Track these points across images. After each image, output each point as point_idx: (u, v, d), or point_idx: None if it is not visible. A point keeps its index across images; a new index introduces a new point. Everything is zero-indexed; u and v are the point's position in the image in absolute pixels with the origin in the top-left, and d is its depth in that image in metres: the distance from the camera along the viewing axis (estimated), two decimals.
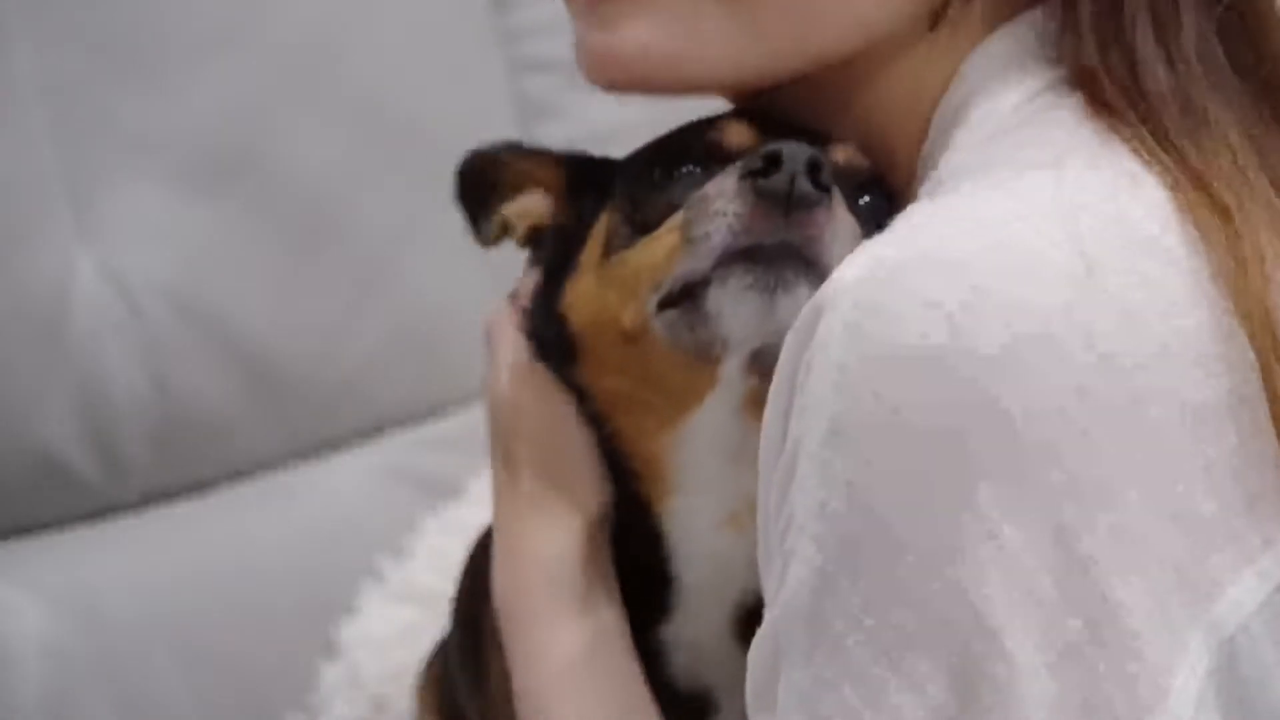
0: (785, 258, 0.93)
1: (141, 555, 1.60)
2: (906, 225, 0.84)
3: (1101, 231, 0.81)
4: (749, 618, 1.05)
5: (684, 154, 1.03)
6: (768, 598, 0.86)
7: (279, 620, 1.64)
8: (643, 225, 1.01)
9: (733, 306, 0.94)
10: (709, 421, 1.01)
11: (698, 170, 1.01)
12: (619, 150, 2.18)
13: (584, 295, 1.04)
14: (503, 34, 1.97)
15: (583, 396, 1.06)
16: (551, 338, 1.07)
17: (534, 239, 1.14)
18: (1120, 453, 0.78)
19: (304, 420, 1.74)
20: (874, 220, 0.97)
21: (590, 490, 1.07)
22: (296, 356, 1.71)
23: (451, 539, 1.64)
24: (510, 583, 1.07)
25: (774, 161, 0.92)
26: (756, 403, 0.95)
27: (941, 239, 0.81)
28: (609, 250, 1.03)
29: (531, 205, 1.14)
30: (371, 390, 1.78)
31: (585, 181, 1.13)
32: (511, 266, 1.84)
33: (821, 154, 0.93)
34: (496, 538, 1.10)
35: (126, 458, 1.60)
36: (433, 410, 1.84)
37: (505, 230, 1.15)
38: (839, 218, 0.94)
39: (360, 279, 1.76)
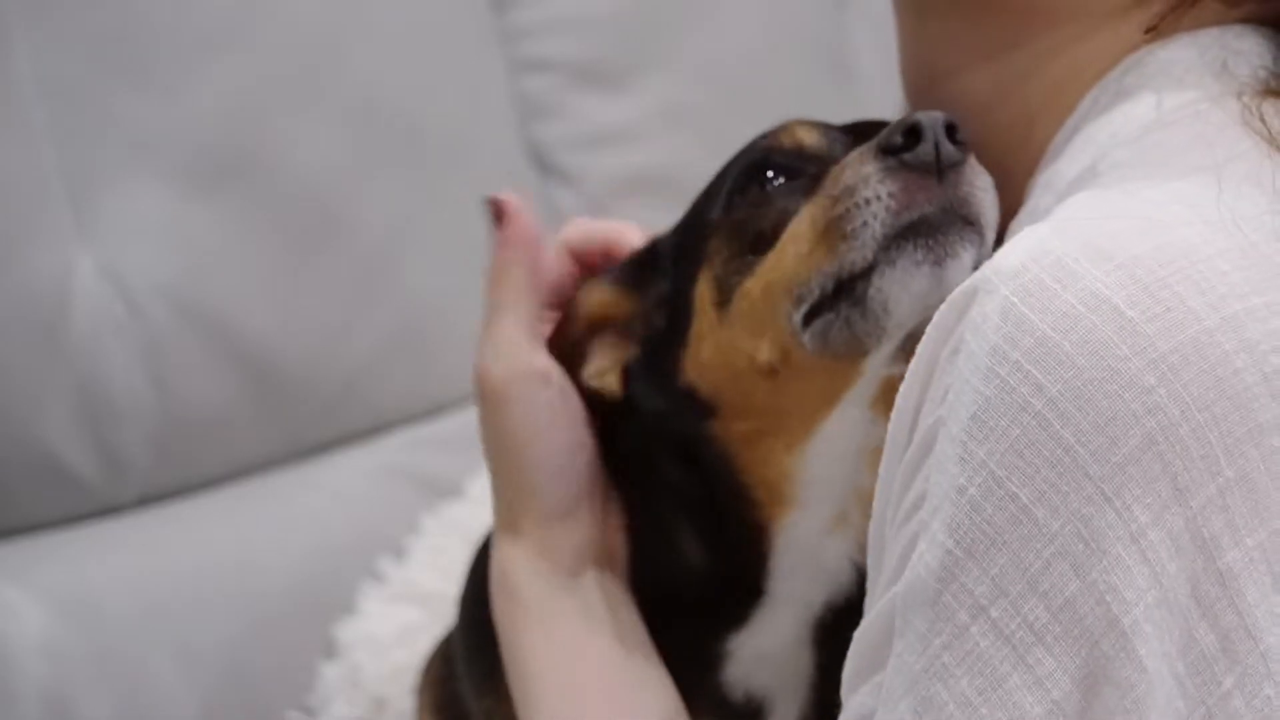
0: (949, 223, 0.93)
1: (141, 555, 1.60)
2: (1069, 215, 0.84)
3: (1263, 246, 0.81)
4: (830, 623, 1.07)
5: (763, 170, 1.03)
6: (878, 576, 0.85)
7: (279, 620, 1.64)
8: (754, 248, 1.00)
9: (903, 285, 0.93)
10: (838, 426, 1.01)
11: (784, 180, 1.01)
12: (619, 150, 2.18)
13: (709, 356, 1.03)
14: (503, 34, 1.97)
15: (704, 445, 1.05)
16: (676, 414, 1.06)
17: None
18: (1277, 475, 0.78)
19: (304, 420, 1.74)
20: None
21: (550, 496, 1.07)
22: (296, 356, 1.71)
23: (451, 539, 1.64)
24: (492, 590, 1.09)
25: (914, 133, 0.93)
26: (889, 392, 0.95)
27: (1109, 234, 0.80)
28: (723, 297, 1.02)
29: (607, 356, 1.11)
30: (371, 390, 1.78)
31: (648, 277, 1.11)
32: None
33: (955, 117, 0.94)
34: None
35: (126, 458, 1.60)
36: (433, 410, 1.84)
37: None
38: (981, 171, 0.95)
39: (360, 279, 1.76)
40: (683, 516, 1.08)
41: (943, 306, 0.83)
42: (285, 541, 1.68)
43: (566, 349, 1.10)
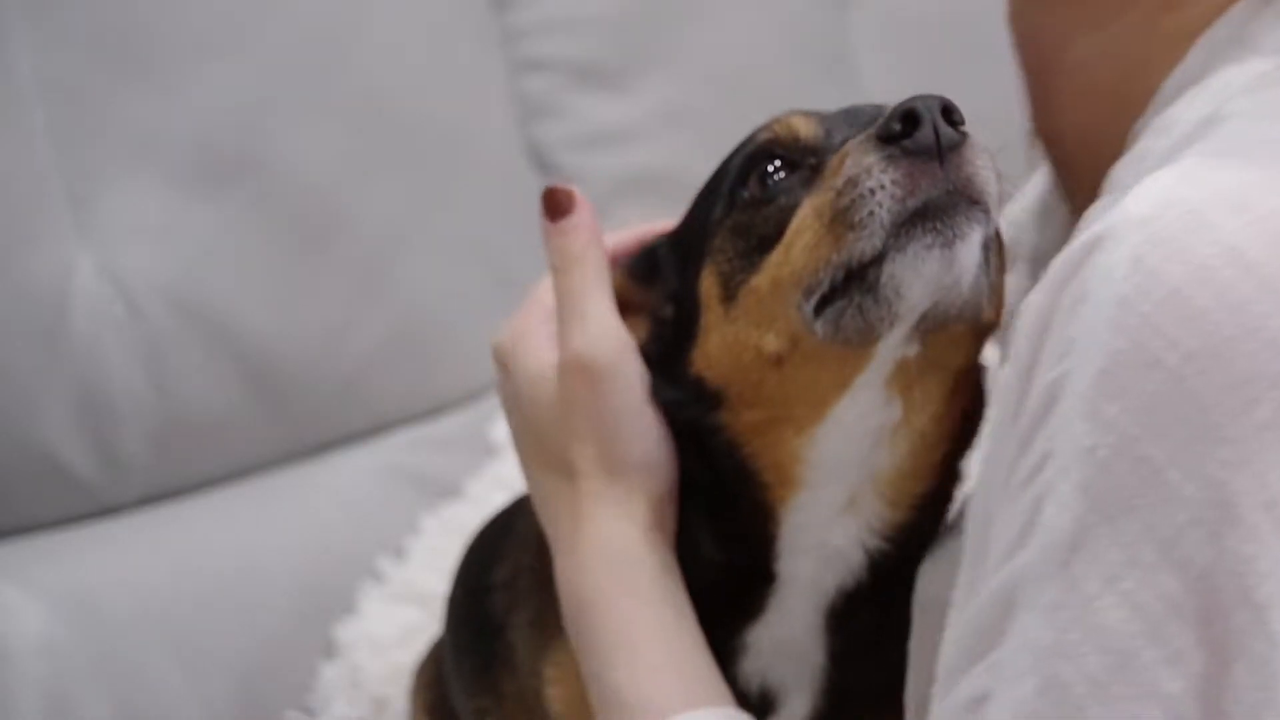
0: (955, 204, 0.94)
1: (141, 555, 1.60)
2: (1198, 161, 0.80)
3: None
4: (842, 609, 1.07)
5: (762, 164, 1.03)
6: (983, 553, 0.82)
7: (279, 620, 1.64)
8: (759, 244, 1.01)
9: (915, 269, 0.94)
10: (851, 408, 1.01)
11: (784, 173, 1.02)
12: (619, 150, 2.18)
13: (716, 349, 1.04)
14: (503, 34, 1.97)
15: (713, 433, 1.05)
16: (686, 404, 1.06)
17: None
18: None
19: (304, 420, 1.74)
20: None
21: (654, 469, 1.06)
22: (296, 356, 1.71)
23: (451, 539, 1.64)
24: (581, 579, 1.05)
25: (911, 118, 0.94)
26: (904, 371, 0.98)
27: (1239, 184, 0.77)
28: (729, 292, 1.02)
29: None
30: (371, 390, 1.78)
31: (655, 271, 1.12)
32: (511, 267, 1.84)
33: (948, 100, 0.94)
34: (555, 542, 1.08)
35: (126, 458, 1.60)
36: (433, 410, 1.84)
37: None
38: (981, 149, 0.95)
39: (360, 279, 1.76)
40: (696, 508, 1.08)
41: (1056, 259, 0.81)
42: (285, 541, 1.68)
43: None
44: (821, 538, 1.06)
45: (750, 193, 1.03)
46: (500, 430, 1.79)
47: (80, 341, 1.57)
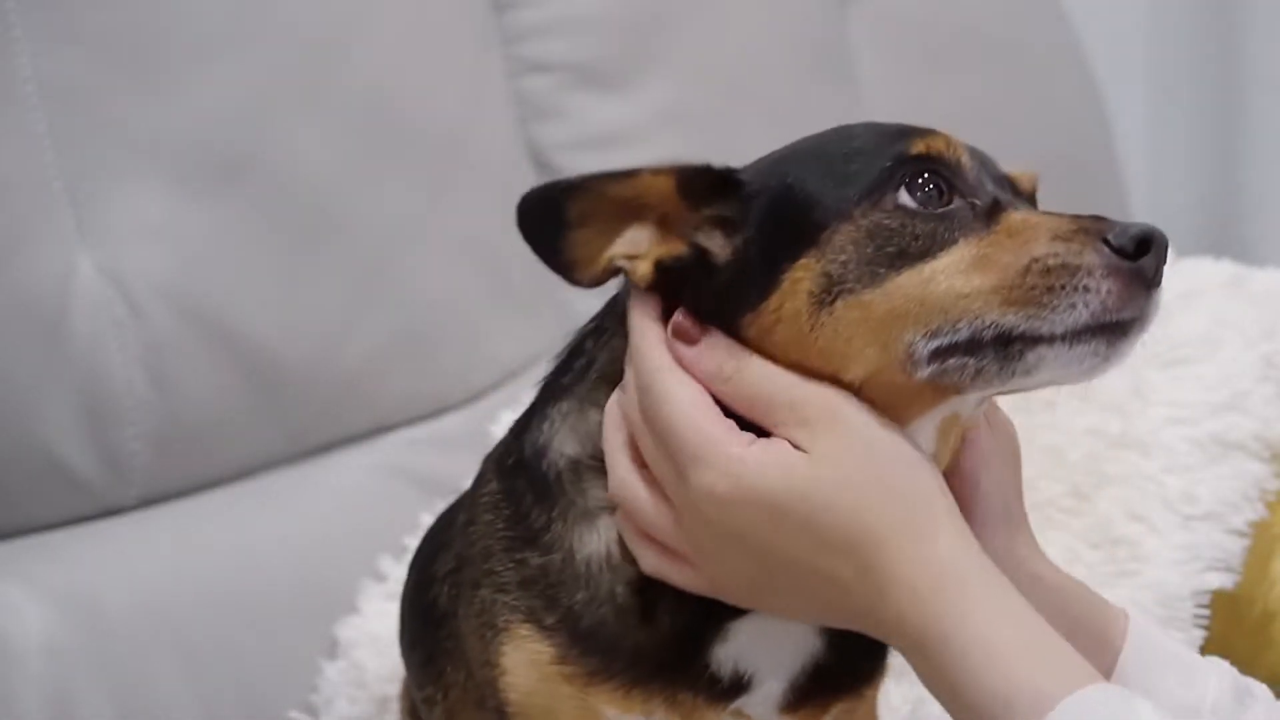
0: (1138, 330, 1.00)
1: (141, 555, 1.60)
2: None
3: None
4: None
5: (917, 174, 1.03)
6: None
7: (280, 620, 1.64)
8: (892, 260, 1.01)
9: (1065, 366, 1.00)
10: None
11: (937, 195, 1.03)
12: (619, 151, 2.17)
13: (784, 341, 1.03)
14: (503, 34, 1.97)
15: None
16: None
17: (662, 277, 1.08)
18: None
19: (304, 420, 1.74)
20: None
21: (928, 482, 1.05)
22: (297, 357, 1.71)
23: None
24: (914, 614, 1.01)
25: (1146, 245, 0.99)
26: (952, 423, 1.04)
27: None
28: (828, 295, 1.01)
29: (642, 240, 1.09)
30: (371, 390, 1.78)
31: (714, 199, 1.09)
32: (511, 267, 1.84)
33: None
34: (863, 614, 1.03)
35: (127, 458, 1.60)
36: (433, 410, 1.84)
37: (612, 272, 1.10)
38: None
39: (360, 279, 1.76)
40: None
41: None
42: (286, 541, 1.68)
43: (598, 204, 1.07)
44: None
45: (901, 202, 1.02)
46: (500, 429, 1.79)
47: (81, 342, 1.57)
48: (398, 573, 1.68)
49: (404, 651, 1.33)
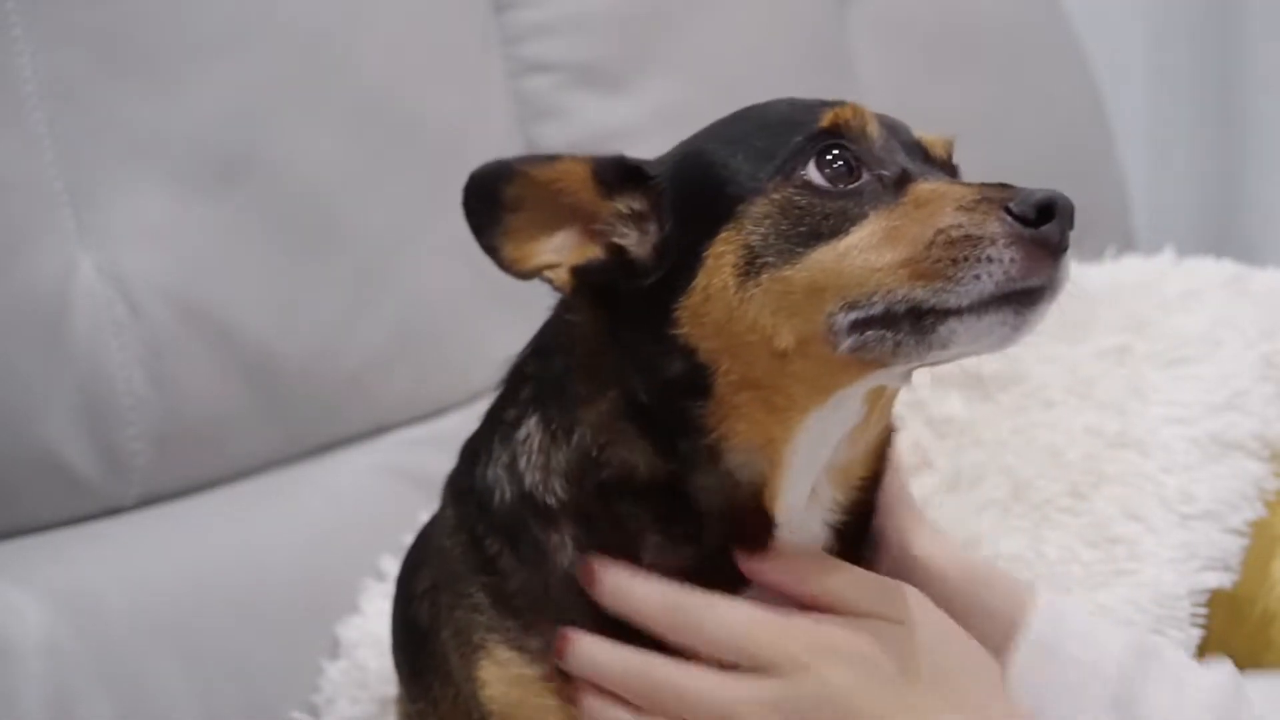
0: (1046, 298, 0.99)
1: (142, 555, 1.60)
2: None
3: None
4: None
5: (825, 149, 1.05)
6: None
7: (281, 620, 1.64)
8: (806, 236, 1.02)
9: (977, 336, 0.99)
10: (833, 411, 1.06)
11: (847, 169, 1.04)
12: (619, 150, 2.18)
13: (715, 318, 1.04)
14: (503, 35, 1.97)
15: (695, 406, 1.06)
16: (661, 365, 1.07)
17: (591, 288, 1.11)
18: None
19: (304, 420, 1.74)
20: None
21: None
22: (297, 356, 1.71)
23: None
24: None
25: (1048, 212, 0.98)
26: (879, 392, 1.05)
27: None
28: (752, 269, 1.03)
29: (565, 247, 1.12)
30: (371, 390, 1.78)
31: (627, 189, 1.12)
32: None
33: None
34: None
35: (126, 458, 1.60)
36: (433, 410, 1.84)
37: (538, 273, 1.13)
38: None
39: (360, 279, 1.76)
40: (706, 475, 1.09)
41: None
42: (286, 541, 1.69)
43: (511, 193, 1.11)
44: (797, 522, 1.10)
45: (810, 177, 1.04)
46: None
47: (81, 342, 1.57)
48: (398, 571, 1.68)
49: (395, 664, 1.34)
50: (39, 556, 1.56)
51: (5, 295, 1.54)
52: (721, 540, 1.09)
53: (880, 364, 1.02)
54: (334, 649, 1.65)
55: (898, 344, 0.99)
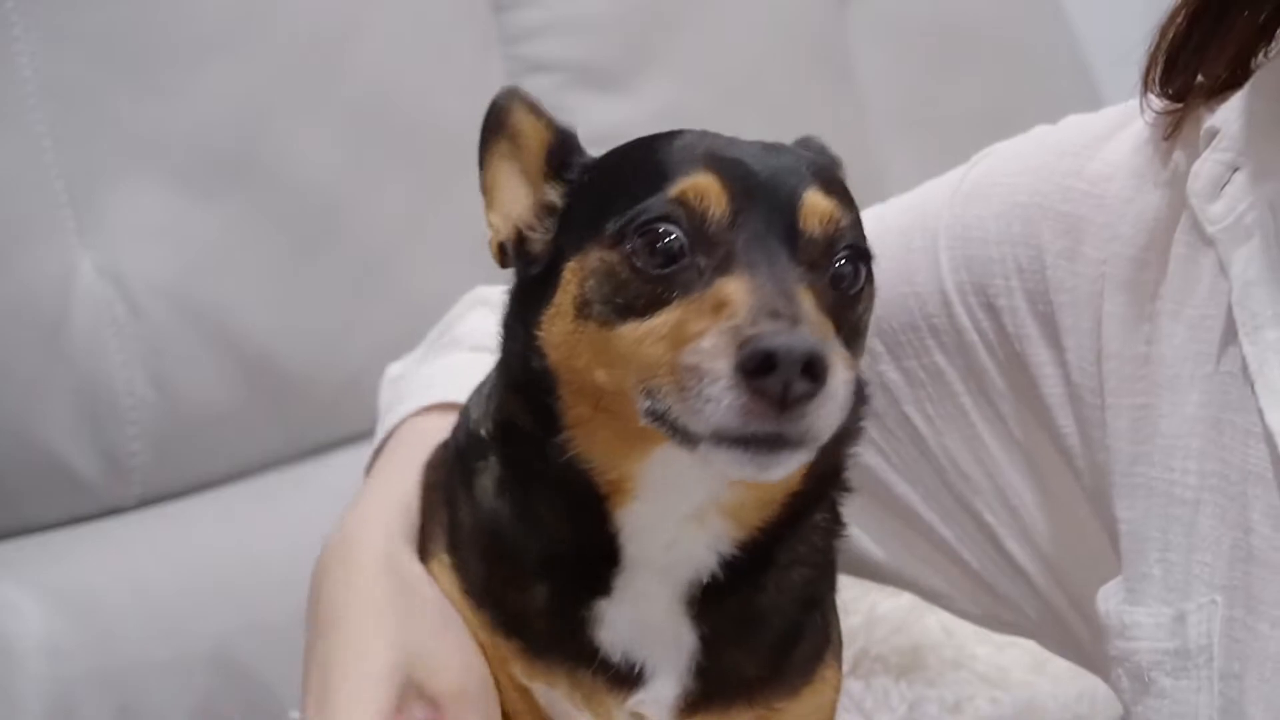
0: (778, 444, 0.95)
1: (142, 555, 1.60)
2: None
3: None
4: (704, 599, 1.10)
5: (658, 224, 1.02)
6: None
7: (281, 619, 1.64)
8: (621, 307, 1.01)
9: (725, 465, 0.97)
10: (673, 462, 1.03)
11: (676, 244, 1.01)
12: None
13: (558, 336, 1.05)
14: (503, 34, 1.97)
15: (551, 402, 1.07)
16: (524, 368, 1.08)
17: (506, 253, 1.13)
18: None
19: (304, 420, 1.74)
20: (846, 281, 1.03)
21: None
22: (297, 357, 1.71)
23: None
24: None
25: (769, 364, 0.93)
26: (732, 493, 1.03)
27: None
28: (582, 313, 1.03)
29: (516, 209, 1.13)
30: (371, 390, 1.78)
31: (560, 174, 1.12)
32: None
33: (820, 348, 0.93)
34: None
35: (127, 458, 1.61)
36: None
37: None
38: (832, 395, 0.95)
39: (360, 279, 1.76)
40: (539, 478, 1.10)
41: None
42: (286, 540, 1.68)
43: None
44: (666, 539, 1.08)
45: (633, 251, 1.01)
46: None
47: (81, 342, 1.57)
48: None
49: None
50: (39, 556, 1.56)
51: (5, 295, 1.54)
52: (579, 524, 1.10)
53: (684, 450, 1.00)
54: None
55: (676, 438, 0.98)
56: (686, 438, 0.97)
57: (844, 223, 1.03)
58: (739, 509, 1.08)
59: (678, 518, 1.08)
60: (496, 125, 1.14)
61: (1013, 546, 1.27)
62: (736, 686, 1.13)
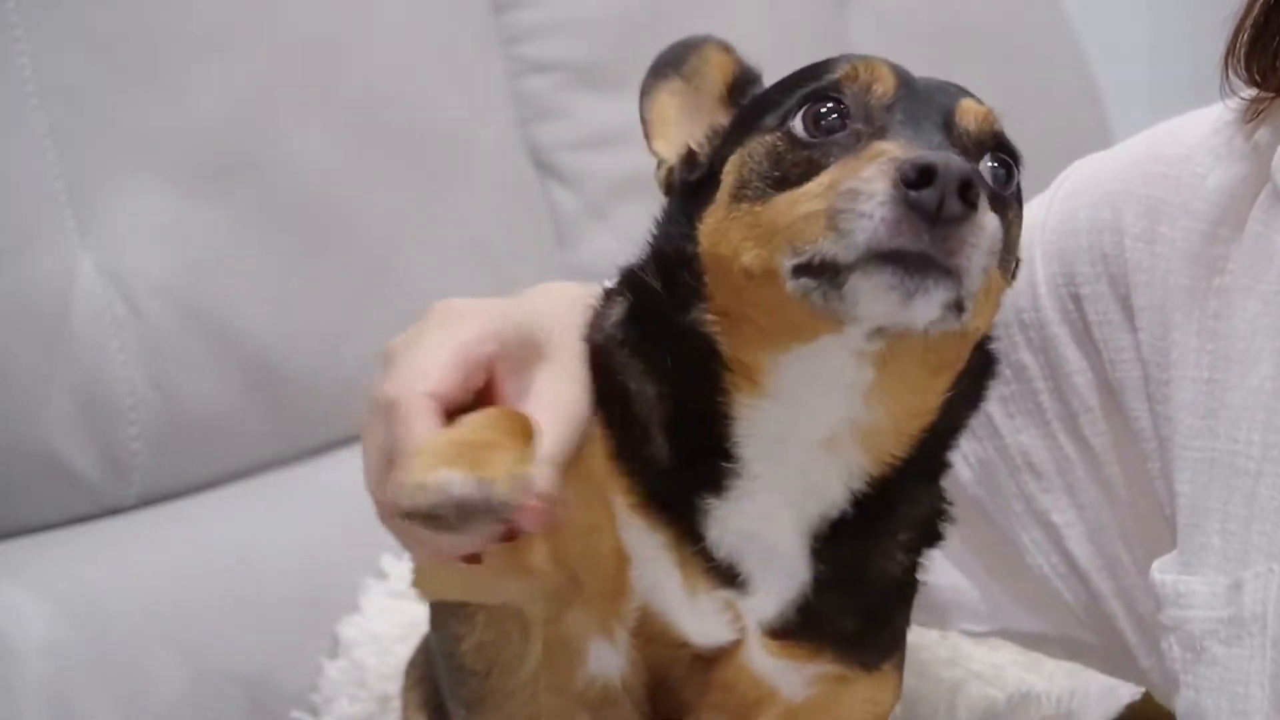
0: (926, 266, 0.97)
1: (142, 555, 1.60)
2: None
3: None
4: (829, 537, 1.11)
5: (820, 102, 1.06)
6: None
7: (281, 619, 1.64)
8: (777, 180, 1.05)
9: (870, 298, 0.98)
10: (819, 358, 1.05)
11: (837, 120, 1.05)
12: (619, 151, 2.18)
13: (713, 225, 1.08)
14: (503, 34, 1.97)
15: (694, 302, 1.09)
16: (676, 251, 1.10)
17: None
18: None
19: (304, 420, 1.75)
20: (998, 181, 1.07)
21: None
22: (297, 357, 1.71)
23: None
24: None
25: (928, 175, 0.96)
26: (873, 349, 1.03)
27: None
28: (738, 197, 1.06)
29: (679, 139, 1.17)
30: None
31: (741, 100, 1.16)
32: (511, 267, 1.84)
33: (974, 172, 0.97)
34: None
35: (126, 457, 1.61)
36: None
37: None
38: (982, 227, 0.98)
39: (360, 279, 1.76)
40: (657, 378, 1.11)
41: None
42: (286, 540, 1.69)
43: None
44: (796, 460, 1.09)
45: (794, 127, 1.06)
46: None
47: (82, 342, 1.57)
48: (399, 570, 1.68)
49: (438, 664, 1.35)
50: (40, 556, 1.56)
51: (5, 295, 1.54)
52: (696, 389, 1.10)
53: (828, 318, 1.01)
54: (333, 648, 1.65)
55: (825, 296, 1.00)
56: (834, 284, 0.98)
57: (998, 125, 1.09)
58: (874, 434, 1.09)
59: (810, 439, 1.09)
60: (676, 62, 1.20)
61: (1076, 548, 1.28)
62: (830, 634, 1.14)
